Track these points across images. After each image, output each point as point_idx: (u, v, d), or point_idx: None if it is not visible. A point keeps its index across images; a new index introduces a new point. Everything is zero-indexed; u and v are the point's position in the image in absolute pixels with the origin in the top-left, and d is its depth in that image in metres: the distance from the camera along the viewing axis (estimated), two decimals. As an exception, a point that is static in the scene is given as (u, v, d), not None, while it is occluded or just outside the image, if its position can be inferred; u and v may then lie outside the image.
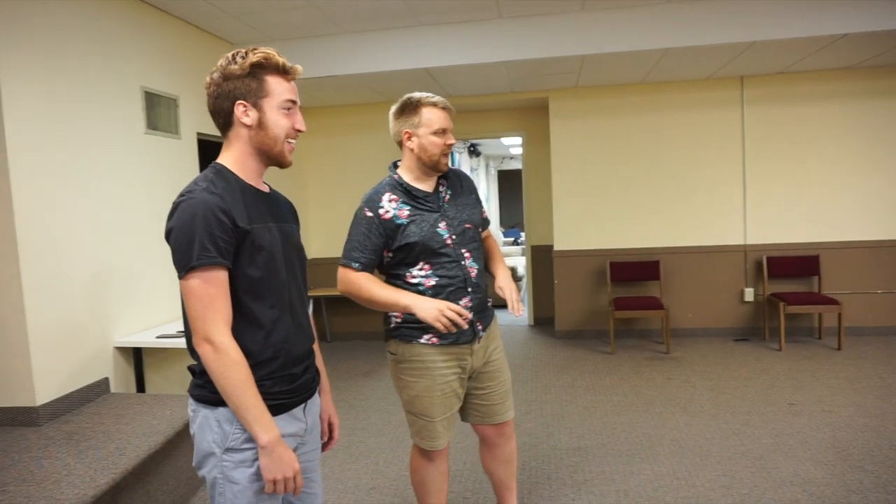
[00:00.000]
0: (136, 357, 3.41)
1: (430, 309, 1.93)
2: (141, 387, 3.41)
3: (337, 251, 7.52)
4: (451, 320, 1.92)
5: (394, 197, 2.14)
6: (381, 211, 2.11)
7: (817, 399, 4.04)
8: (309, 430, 1.61)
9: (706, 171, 5.81)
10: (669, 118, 5.83)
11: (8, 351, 2.81)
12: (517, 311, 2.05)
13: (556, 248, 6.04)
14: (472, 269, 2.15)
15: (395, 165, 2.22)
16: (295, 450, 1.54)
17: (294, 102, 1.51)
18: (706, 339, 5.76)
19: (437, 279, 2.09)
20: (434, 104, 2.09)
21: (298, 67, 1.53)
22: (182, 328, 3.43)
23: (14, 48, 2.78)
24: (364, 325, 6.49)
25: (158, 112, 3.85)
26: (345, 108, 6.37)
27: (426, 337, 2.10)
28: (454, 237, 2.12)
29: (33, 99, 2.88)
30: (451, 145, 2.13)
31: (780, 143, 5.70)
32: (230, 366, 1.35)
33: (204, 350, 1.35)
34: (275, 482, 1.38)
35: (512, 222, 15.37)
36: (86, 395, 3.08)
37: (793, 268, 5.68)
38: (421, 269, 2.09)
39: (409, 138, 2.11)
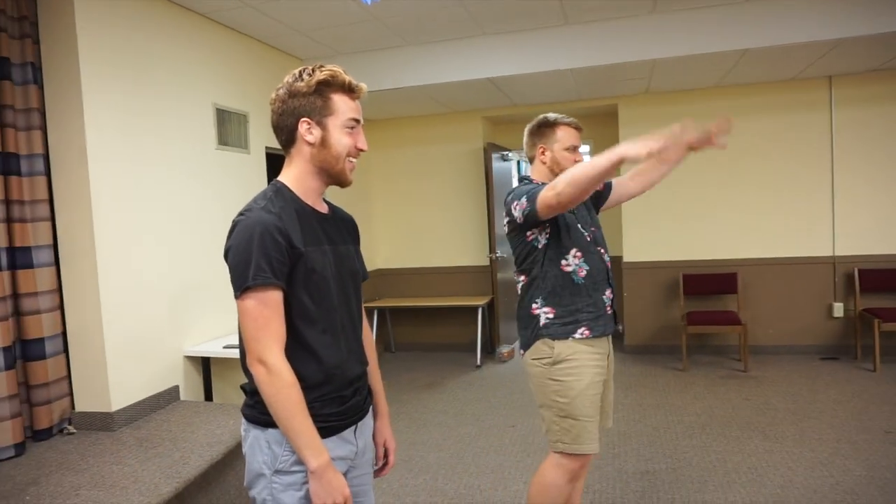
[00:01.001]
0: (205, 366, 3.51)
1: (637, 142, 1.92)
2: (209, 395, 3.51)
3: (402, 262, 7.59)
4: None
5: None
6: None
7: (918, 427, 3.68)
8: (360, 452, 1.57)
9: (789, 178, 5.45)
10: (748, 122, 5.51)
11: (87, 359, 2.95)
12: None
13: (625, 259, 5.82)
14: (608, 263, 2.30)
15: (525, 177, 2.39)
16: (346, 473, 1.51)
17: (357, 121, 1.50)
18: (789, 358, 5.39)
19: (587, 269, 2.20)
20: (568, 124, 2.33)
21: (363, 86, 1.51)
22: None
23: (98, 64, 2.95)
24: (427, 336, 6.48)
25: (229, 128, 3.98)
26: (411, 119, 6.41)
27: (580, 331, 2.17)
28: (594, 229, 2.31)
29: (113, 114, 3.04)
30: (579, 161, 2.29)
31: (873, 147, 5.28)
32: (282, 388, 1.34)
33: (257, 371, 1.35)
34: None
35: (582, 231, 15.03)
36: (157, 401, 3.19)
37: (888, 281, 5.23)
38: (574, 257, 2.19)
39: (542, 153, 2.33)
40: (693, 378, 4.97)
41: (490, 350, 6.13)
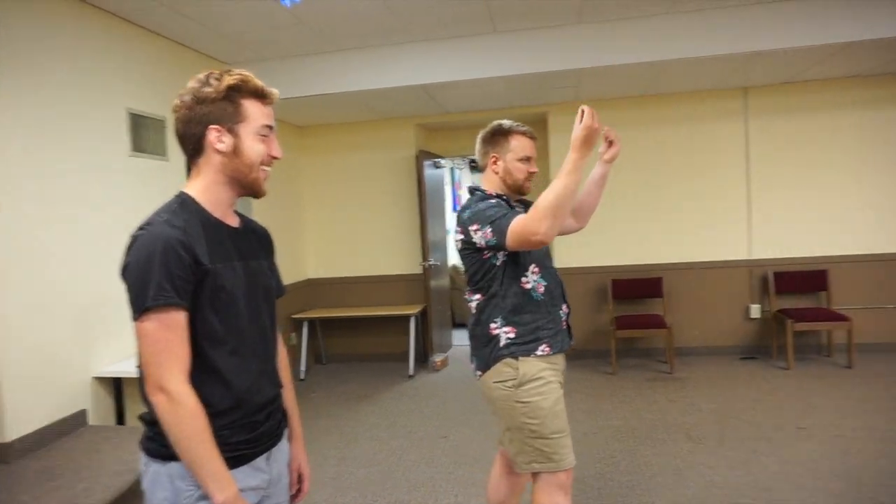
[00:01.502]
0: (116, 387, 3.30)
1: (579, 128, 1.91)
2: (121, 418, 3.30)
3: (334, 271, 7.43)
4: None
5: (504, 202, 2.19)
6: (503, 201, 2.18)
7: (828, 422, 3.87)
8: (274, 480, 1.48)
9: (709, 186, 5.67)
10: (671, 131, 5.71)
11: (-21, 384, 2.71)
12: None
13: (556, 265, 5.89)
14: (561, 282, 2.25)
15: (477, 189, 2.26)
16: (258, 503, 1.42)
17: (271, 128, 1.42)
18: (711, 358, 5.60)
19: (545, 284, 2.15)
20: (523, 133, 2.22)
21: (276, 91, 1.43)
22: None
23: (-13, 72, 2.71)
24: (359, 347, 6.36)
25: (145, 134, 3.77)
26: (342, 125, 6.29)
27: (541, 348, 2.10)
28: (545, 250, 2.23)
29: (15, 121, 2.81)
30: (533, 173, 2.24)
31: (786, 155, 5.57)
32: (185, 417, 1.24)
33: (158, 399, 1.25)
34: None
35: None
36: (62, 428, 2.97)
37: (800, 283, 5.52)
38: (532, 273, 2.14)
39: (495, 162, 2.23)
40: (622, 381, 5.07)
41: (423, 359, 6.08)
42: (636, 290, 5.70)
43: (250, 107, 1.38)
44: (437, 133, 6.81)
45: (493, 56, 4.53)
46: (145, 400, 1.31)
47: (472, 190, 2.27)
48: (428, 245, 5.98)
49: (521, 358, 2.08)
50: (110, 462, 2.63)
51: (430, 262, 6.01)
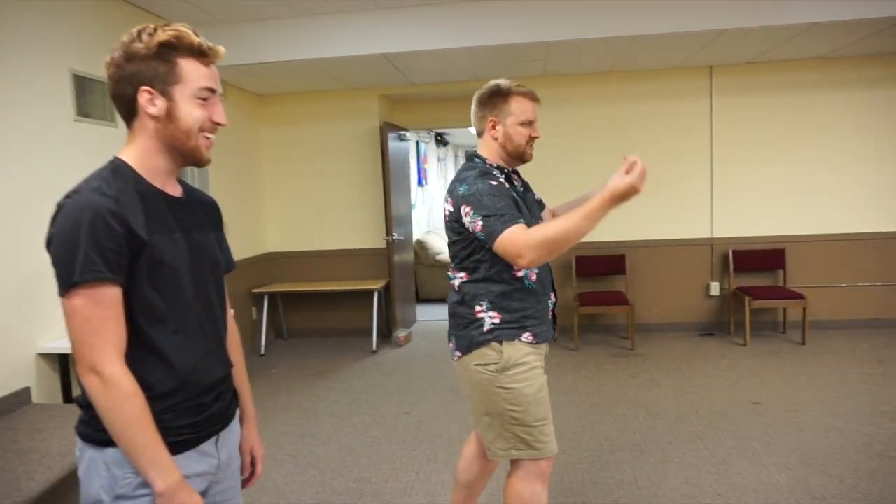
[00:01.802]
0: (62, 363, 3.15)
1: (626, 180, 1.74)
2: (68, 396, 3.16)
3: (295, 244, 7.29)
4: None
5: (504, 178, 2.04)
6: (501, 182, 1.98)
7: (782, 398, 3.97)
8: (224, 465, 1.40)
9: (674, 163, 5.69)
10: (638, 108, 5.70)
11: None
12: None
13: (521, 241, 5.88)
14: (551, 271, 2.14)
15: (476, 156, 2.09)
16: (206, 490, 1.35)
17: (212, 91, 1.28)
18: (672, 335, 5.68)
19: (537, 272, 2.02)
20: (524, 94, 2.03)
21: (220, 49, 1.28)
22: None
23: None
24: (321, 322, 6.26)
25: (91, 98, 3.56)
26: (303, 94, 6.09)
27: (525, 335, 1.97)
28: None
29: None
30: (535, 137, 2.07)
31: (748, 135, 5.62)
32: (121, 400, 1.15)
33: (90, 381, 1.15)
34: None
35: (482, 212, 15.20)
36: (4, 407, 2.82)
37: (758, 261, 5.62)
38: None
39: (493, 127, 2.05)
40: (584, 357, 5.11)
41: (386, 335, 6.02)
42: (599, 267, 5.72)
43: (187, 66, 1.24)
44: (402, 105, 6.67)
45: (460, 26, 4.42)
46: (79, 382, 1.22)
47: (471, 156, 2.10)
48: (392, 219, 5.89)
49: (505, 342, 1.96)
50: (54, 442, 2.50)
51: (394, 237, 5.92)
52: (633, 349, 5.27)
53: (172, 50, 1.23)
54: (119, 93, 1.26)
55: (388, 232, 5.90)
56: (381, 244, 6.07)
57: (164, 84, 1.23)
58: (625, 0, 4.21)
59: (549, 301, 2.08)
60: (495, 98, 2.03)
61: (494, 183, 1.92)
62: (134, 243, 1.19)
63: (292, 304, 6.27)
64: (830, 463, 3.04)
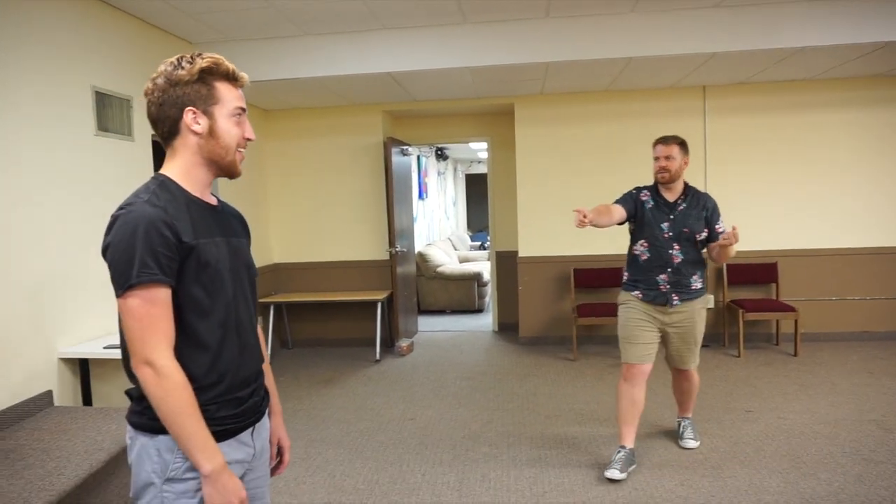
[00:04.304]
0: (83, 368, 3.27)
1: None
2: (88, 399, 3.28)
3: (299, 256, 7.40)
4: None
5: (647, 193, 3.32)
6: (640, 195, 3.34)
7: (773, 406, 4.10)
8: (257, 454, 1.54)
9: (668, 179, 5.85)
10: (633, 126, 5.88)
11: (-59, 364, 2.66)
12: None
13: (520, 254, 6.03)
14: (677, 258, 3.17)
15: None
16: (242, 476, 1.47)
17: (243, 110, 1.46)
18: (668, 346, 5.80)
19: (648, 254, 3.23)
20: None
21: (245, 75, 1.47)
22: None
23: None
24: (325, 332, 6.39)
25: (110, 113, 3.71)
26: (306, 110, 6.27)
27: (635, 292, 3.27)
28: (671, 233, 3.19)
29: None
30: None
31: (740, 153, 5.80)
32: (172, 390, 1.28)
33: (144, 373, 1.28)
34: None
35: (480, 226, 15.39)
36: (26, 409, 2.93)
37: (752, 275, 5.78)
38: (642, 245, 3.25)
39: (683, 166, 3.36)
40: (583, 367, 5.24)
41: (389, 344, 6.14)
42: (598, 279, 5.87)
43: (223, 89, 1.41)
44: (404, 120, 6.84)
45: (463, 47, 4.60)
46: (130, 375, 1.35)
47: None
48: (395, 231, 6.03)
49: (625, 291, 3.37)
50: (79, 442, 2.62)
51: (397, 249, 6.06)
52: (629, 360, 5.39)
53: (211, 75, 1.40)
54: (164, 115, 1.41)
55: (392, 244, 6.05)
56: (385, 256, 6.21)
57: (206, 105, 1.40)
58: (622, 23, 4.40)
59: (659, 276, 3.16)
60: (686, 146, 3.31)
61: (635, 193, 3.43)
62: (182, 248, 1.33)
63: (297, 314, 6.39)
64: (819, 467, 3.17)
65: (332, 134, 6.29)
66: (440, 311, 8.14)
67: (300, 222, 6.40)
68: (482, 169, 14.61)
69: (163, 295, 1.31)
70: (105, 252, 1.33)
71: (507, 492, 3.05)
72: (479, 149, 10.33)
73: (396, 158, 6.19)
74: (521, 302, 6.10)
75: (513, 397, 4.51)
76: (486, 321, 7.44)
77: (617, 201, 3.25)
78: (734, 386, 4.56)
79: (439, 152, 10.80)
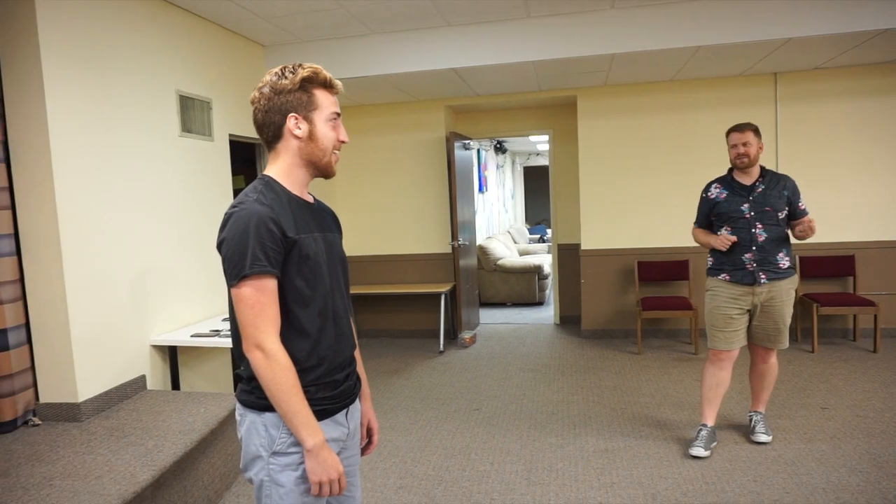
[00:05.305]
0: (172, 355, 3.50)
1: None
2: (175, 384, 3.51)
3: (366, 249, 7.57)
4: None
5: (718, 185, 3.41)
6: (707, 194, 3.47)
7: (852, 403, 3.97)
8: (351, 434, 1.65)
9: (737, 170, 5.69)
10: (700, 116, 5.75)
11: (52, 349, 2.92)
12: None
13: (583, 246, 6.01)
14: (761, 236, 3.21)
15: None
16: (338, 454, 1.58)
17: (338, 115, 1.58)
18: (736, 340, 5.67)
19: (733, 236, 3.23)
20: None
21: (340, 83, 1.60)
22: (215, 328, 3.52)
23: (59, 53, 2.88)
24: (390, 323, 6.55)
25: (192, 115, 3.94)
26: (374, 107, 6.42)
27: (721, 276, 3.31)
28: (753, 213, 3.23)
29: (76, 103, 2.98)
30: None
31: (814, 141, 5.59)
32: (279, 371, 1.40)
33: (255, 356, 1.41)
34: (320, 484, 1.44)
35: (537, 219, 15.32)
36: (124, 391, 3.18)
37: (827, 268, 5.56)
38: (725, 229, 3.29)
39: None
40: (647, 361, 5.20)
41: (452, 336, 6.24)
42: (662, 272, 5.79)
43: (321, 96, 1.54)
44: (465, 115, 6.91)
45: (526, 41, 4.62)
46: (241, 357, 1.48)
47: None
48: (457, 225, 6.12)
49: (710, 276, 3.41)
50: (173, 423, 2.83)
51: (460, 242, 6.15)
52: (696, 354, 5.31)
53: (310, 83, 1.53)
54: (269, 121, 1.53)
55: (454, 237, 6.14)
56: (447, 249, 6.31)
57: (307, 111, 1.52)
58: (688, 11, 4.31)
59: (744, 256, 3.20)
60: (759, 132, 3.35)
61: (703, 195, 3.53)
62: (287, 242, 1.46)
63: (363, 306, 6.58)
64: (902, 466, 3.06)
65: (396, 130, 6.42)
66: (500, 304, 8.19)
67: (366, 217, 6.57)
68: (540, 161, 14.52)
69: (271, 285, 1.43)
70: (220, 246, 1.46)
71: (575, 482, 3.08)
72: (539, 141, 10.29)
73: (458, 153, 6.27)
74: (584, 295, 6.08)
75: (577, 389, 4.53)
76: (547, 314, 7.45)
77: (697, 220, 3.52)
78: (808, 382, 4.43)
79: (498, 145, 10.82)
